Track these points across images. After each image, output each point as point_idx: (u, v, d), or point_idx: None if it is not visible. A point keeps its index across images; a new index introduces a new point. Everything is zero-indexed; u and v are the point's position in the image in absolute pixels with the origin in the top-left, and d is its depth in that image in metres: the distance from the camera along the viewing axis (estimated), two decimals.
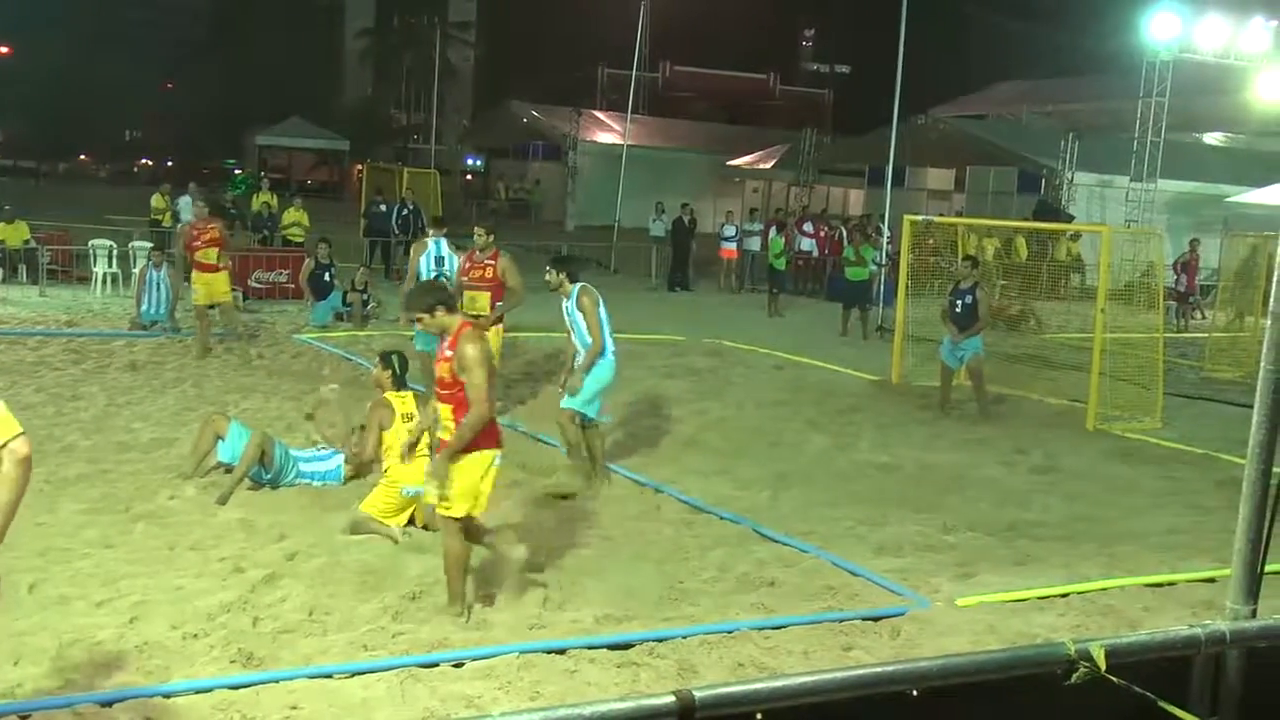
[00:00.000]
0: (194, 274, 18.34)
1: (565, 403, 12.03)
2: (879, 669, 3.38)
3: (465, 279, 14.03)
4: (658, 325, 23.44)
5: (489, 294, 13.89)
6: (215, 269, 18.21)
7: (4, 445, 5.31)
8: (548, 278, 12.01)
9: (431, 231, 16.37)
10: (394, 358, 11.08)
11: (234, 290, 20.09)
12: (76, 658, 7.48)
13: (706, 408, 16.02)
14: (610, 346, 11.98)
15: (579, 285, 11.87)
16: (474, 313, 13.88)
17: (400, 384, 11.00)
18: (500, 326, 14.23)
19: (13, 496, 5.36)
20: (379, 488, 10.45)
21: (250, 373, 16.95)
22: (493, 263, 13.95)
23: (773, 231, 32.81)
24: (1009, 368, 19.16)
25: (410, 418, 10.61)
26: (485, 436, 8.27)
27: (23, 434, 5.38)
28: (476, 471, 8.27)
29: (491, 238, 14.19)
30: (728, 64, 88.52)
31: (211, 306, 18.35)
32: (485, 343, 8.44)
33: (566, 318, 11.97)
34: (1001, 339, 18.67)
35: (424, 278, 12.99)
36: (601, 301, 11.90)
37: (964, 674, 3.43)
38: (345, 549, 9.74)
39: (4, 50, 76.95)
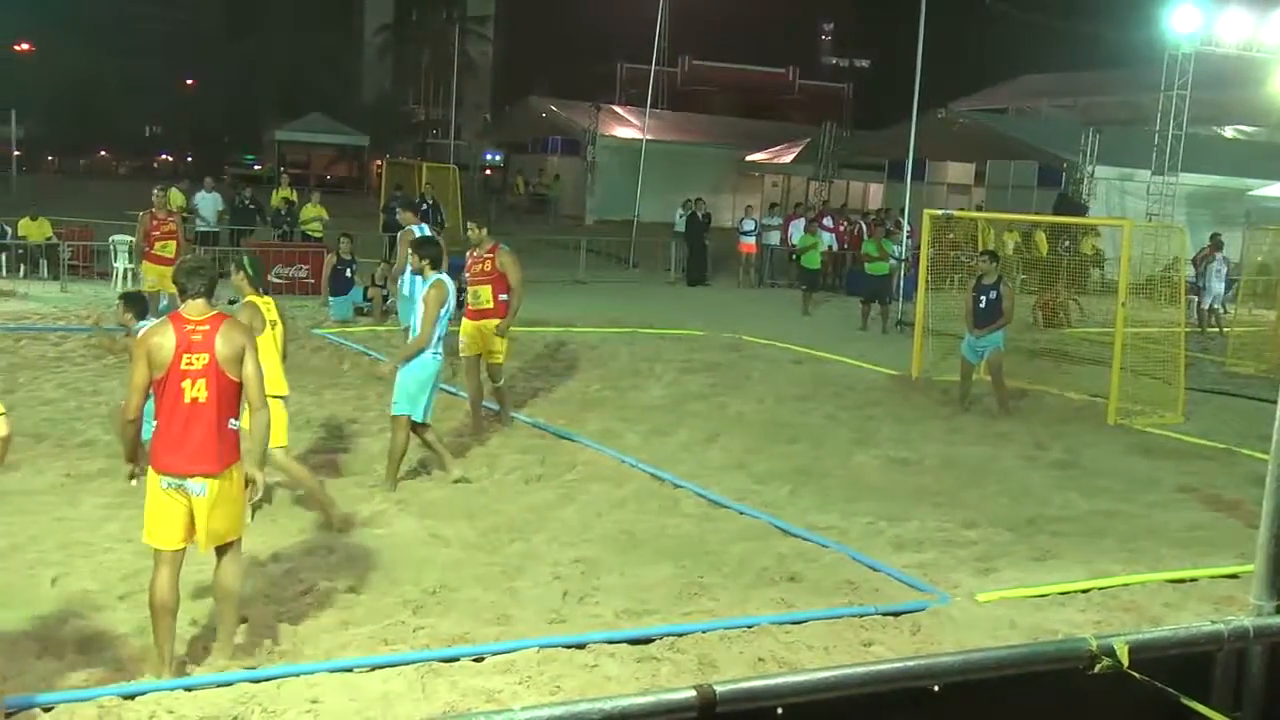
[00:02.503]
0: (146, 264, 18.51)
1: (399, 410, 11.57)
2: (901, 664, 3.38)
3: (468, 274, 14.05)
4: (676, 319, 23.44)
5: (490, 287, 13.79)
6: (170, 261, 18.29)
7: None
8: (410, 261, 12.05)
9: (411, 219, 16.49)
10: (245, 259, 10.67)
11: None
12: (98, 650, 7.52)
13: (725, 402, 16.01)
14: (435, 347, 11.51)
15: (436, 276, 11.61)
16: (477, 307, 13.91)
17: (260, 287, 10.52)
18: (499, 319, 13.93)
19: None
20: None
21: None
22: (490, 256, 13.83)
23: (794, 227, 32.78)
24: (1029, 362, 19.11)
25: (275, 324, 10.30)
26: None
27: (2, 414, 5.46)
28: None
29: (484, 231, 14.12)
30: (747, 58, 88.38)
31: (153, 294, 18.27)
32: None
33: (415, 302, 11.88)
34: (1021, 334, 18.61)
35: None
36: (449, 302, 11.57)
37: (985, 669, 3.42)
38: (366, 542, 9.76)
39: (26, 47, 77.23)
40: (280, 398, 10.02)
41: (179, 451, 7.01)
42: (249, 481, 7.28)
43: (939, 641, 8.16)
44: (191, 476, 7.01)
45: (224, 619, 7.46)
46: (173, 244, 18.66)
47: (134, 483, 7.32)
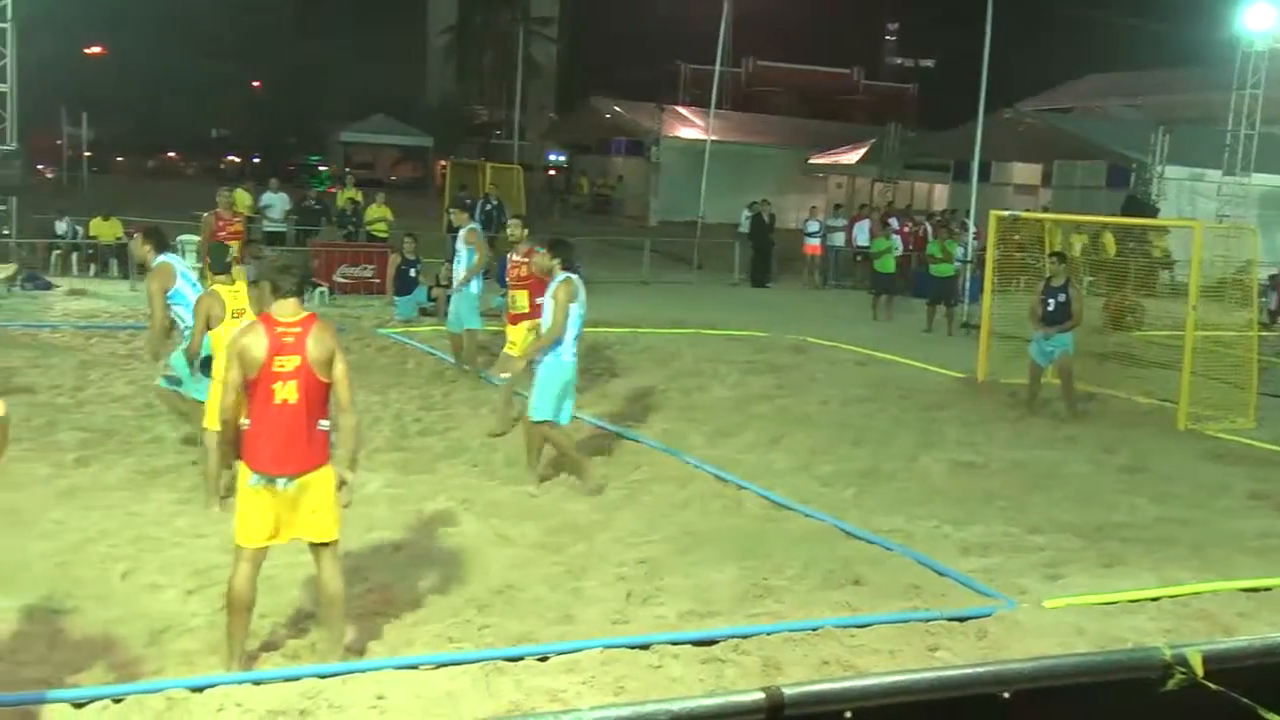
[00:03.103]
0: None
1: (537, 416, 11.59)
2: (971, 670, 3.34)
3: (509, 278, 14.09)
4: (740, 321, 23.41)
5: (526, 292, 13.73)
6: (236, 262, 18.51)
7: None
8: (538, 259, 11.94)
9: (464, 219, 16.61)
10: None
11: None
12: (168, 644, 7.62)
13: (789, 404, 15.98)
14: (569, 348, 11.49)
15: (565, 275, 11.52)
16: (515, 312, 13.90)
17: (224, 272, 10.76)
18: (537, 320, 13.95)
19: None
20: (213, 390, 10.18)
21: None
22: (527, 260, 13.75)
23: (859, 228, 32.62)
24: (1097, 366, 18.91)
25: (240, 313, 10.28)
26: None
27: None
28: None
29: (525, 232, 14.15)
30: (811, 59, 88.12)
31: None
32: None
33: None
34: (1088, 337, 18.43)
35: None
36: (581, 300, 11.54)
37: (1057, 677, 3.38)
38: (432, 541, 9.82)
39: (97, 50, 78.26)
40: None
41: (268, 451, 7.10)
42: (342, 483, 7.33)
43: (1006, 648, 8.09)
44: (280, 476, 7.09)
45: (330, 622, 7.49)
46: (237, 243, 18.88)
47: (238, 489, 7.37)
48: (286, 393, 7.06)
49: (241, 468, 7.23)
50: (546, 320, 11.52)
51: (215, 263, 11.00)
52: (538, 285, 13.38)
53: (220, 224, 18.83)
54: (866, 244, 33.28)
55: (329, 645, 7.47)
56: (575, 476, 11.64)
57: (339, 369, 7.18)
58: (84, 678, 7.09)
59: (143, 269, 11.79)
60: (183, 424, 11.58)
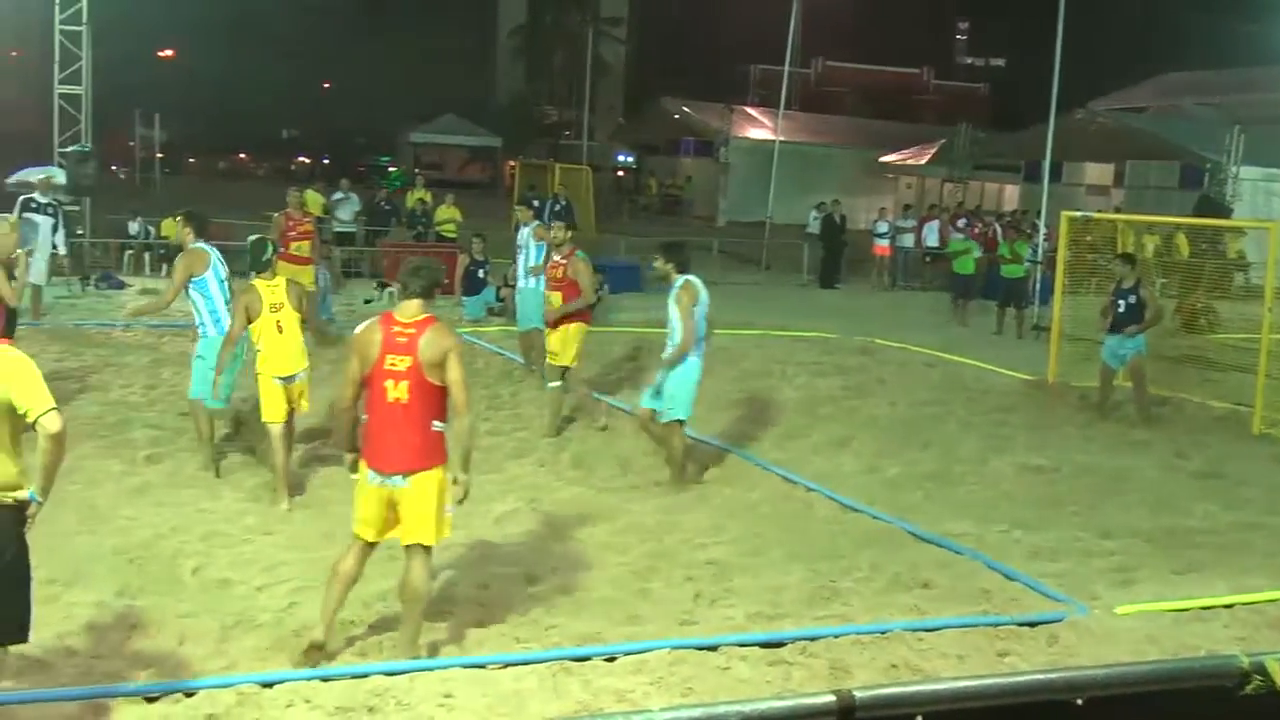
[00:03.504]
0: (281, 262, 18.77)
1: (645, 401, 11.85)
2: (1044, 675, 3.32)
3: (547, 278, 14.14)
4: (808, 322, 23.33)
5: (560, 294, 13.79)
6: (306, 261, 18.77)
7: (36, 419, 5.72)
8: (655, 265, 11.85)
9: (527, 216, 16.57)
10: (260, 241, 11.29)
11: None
12: (238, 639, 7.70)
13: (857, 406, 15.90)
14: (700, 348, 11.62)
15: (683, 279, 11.58)
16: (552, 314, 13.93)
17: (264, 269, 10.98)
18: (581, 323, 13.89)
19: (48, 462, 5.80)
20: (260, 385, 10.86)
21: None
22: (565, 263, 13.79)
23: (928, 229, 32.42)
24: (1170, 369, 18.67)
25: (278, 307, 10.72)
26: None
27: (54, 409, 5.74)
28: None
29: (569, 234, 14.15)
30: (880, 59, 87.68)
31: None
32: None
33: (668, 307, 11.75)
34: (1161, 339, 18.21)
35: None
36: (703, 301, 11.61)
37: (1131, 684, 3.35)
38: (499, 541, 9.86)
39: (169, 53, 79.25)
40: (282, 377, 10.77)
41: (380, 448, 7.29)
42: (456, 482, 7.46)
43: (1076, 654, 8.00)
44: (393, 474, 7.23)
45: (406, 620, 7.57)
46: (307, 244, 19.05)
47: (354, 476, 7.52)
48: (398, 392, 7.19)
49: (361, 463, 7.40)
50: (674, 329, 11.52)
51: (255, 259, 11.12)
52: (571, 288, 13.64)
53: (290, 224, 18.96)
54: (936, 245, 33.14)
55: (403, 644, 7.54)
56: (671, 475, 11.68)
57: (453, 373, 7.25)
58: (156, 672, 7.19)
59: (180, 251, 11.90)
60: (203, 447, 11.58)
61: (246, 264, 11.31)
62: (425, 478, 7.25)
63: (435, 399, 7.25)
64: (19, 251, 12.46)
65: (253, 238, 11.47)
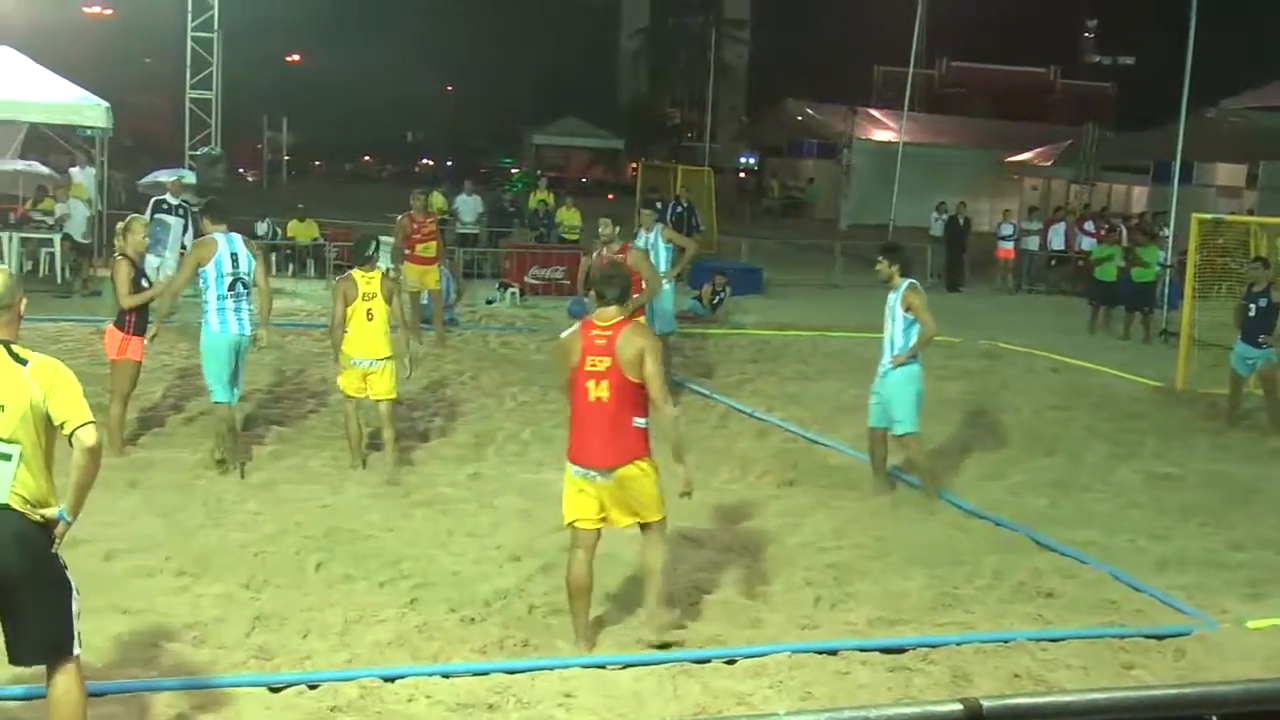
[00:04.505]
0: (408, 264, 18.96)
1: (874, 420, 11.58)
2: (1177, 690, 3.23)
3: (596, 274, 14.05)
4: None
5: None
6: (431, 261, 18.93)
7: (72, 432, 5.57)
8: (878, 268, 11.69)
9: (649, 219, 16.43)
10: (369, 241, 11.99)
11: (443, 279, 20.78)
12: (360, 634, 7.80)
13: (981, 411, 15.68)
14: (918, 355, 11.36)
15: (908, 281, 11.33)
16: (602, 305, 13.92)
17: (366, 263, 11.62)
18: (640, 317, 13.94)
19: (81, 478, 5.62)
20: (341, 362, 11.70)
21: (526, 367, 17.34)
22: (621, 256, 13.66)
23: (1054, 231, 31.85)
24: None
25: (371, 297, 11.43)
26: None
27: (91, 423, 5.61)
28: None
29: (617, 229, 14.22)
30: (1006, 58, 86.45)
31: (414, 294, 19.10)
32: None
33: (887, 312, 11.46)
34: None
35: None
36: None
37: (1267, 702, 3.25)
38: (619, 542, 9.86)
39: (296, 58, 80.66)
40: (359, 359, 11.46)
41: (585, 445, 7.64)
42: (685, 477, 7.75)
43: (1205, 669, 7.81)
44: (598, 468, 7.55)
45: (649, 595, 7.91)
46: (433, 245, 19.22)
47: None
48: (600, 391, 7.54)
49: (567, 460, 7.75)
50: (897, 333, 11.28)
51: (358, 253, 11.82)
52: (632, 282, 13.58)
53: (415, 226, 19.14)
54: (1061, 248, 32.61)
55: (648, 618, 7.87)
56: (924, 488, 11.54)
57: (649, 368, 7.55)
58: (280, 663, 7.30)
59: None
60: (220, 445, 11.54)
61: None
62: (634, 468, 7.59)
63: (635, 396, 7.58)
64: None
65: (358, 236, 12.37)
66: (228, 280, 11.39)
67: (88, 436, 5.57)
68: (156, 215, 20.76)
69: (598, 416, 7.55)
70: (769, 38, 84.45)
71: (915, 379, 11.32)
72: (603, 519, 7.71)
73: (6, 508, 5.49)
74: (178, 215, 21.07)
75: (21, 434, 5.52)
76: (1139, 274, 24.05)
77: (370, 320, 11.46)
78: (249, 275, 11.52)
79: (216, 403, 11.48)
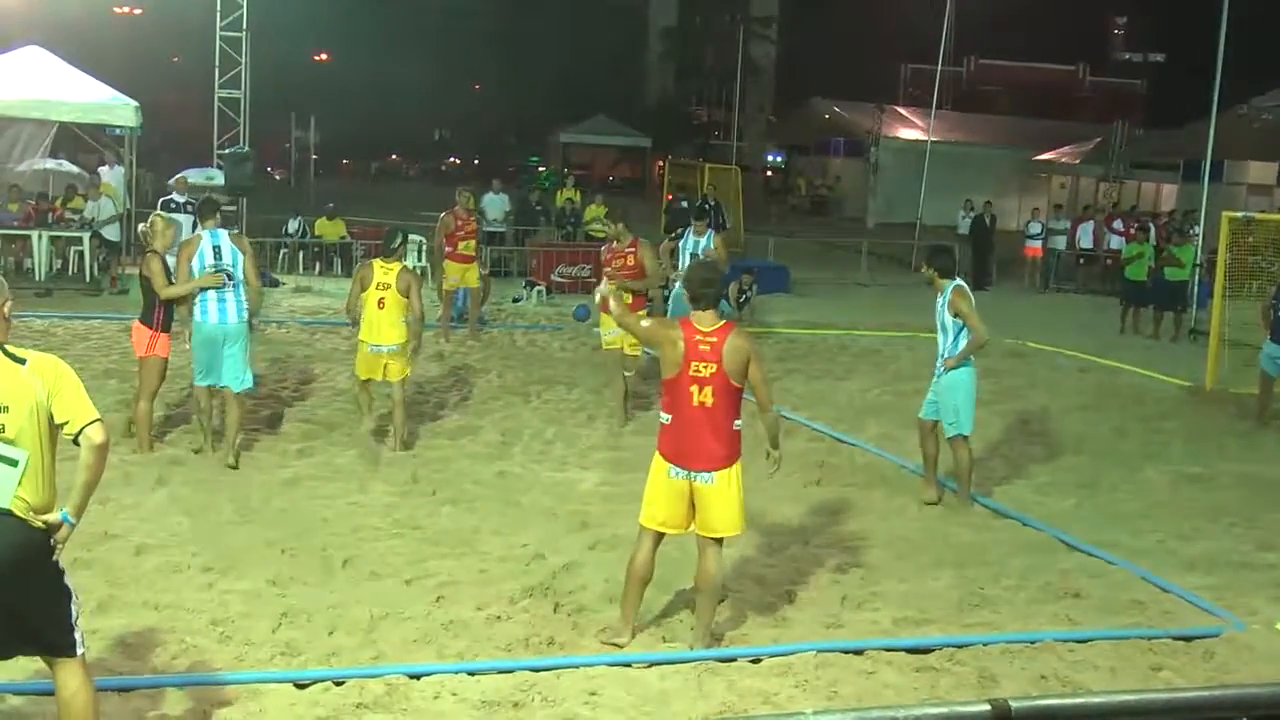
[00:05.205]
0: (449, 262, 19.02)
1: (925, 413, 11.55)
2: (1208, 692, 3.20)
3: (607, 269, 14.13)
4: None
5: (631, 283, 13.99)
6: (472, 259, 19.16)
7: (80, 430, 5.44)
8: (923, 270, 11.63)
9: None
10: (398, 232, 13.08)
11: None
12: (386, 631, 7.81)
13: (1008, 410, 15.60)
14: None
15: (954, 283, 11.24)
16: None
17: (389, 255, 12.46)
18: (640, 310, 14.04)
19: (89, 478, 5.48)
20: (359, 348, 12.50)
21: (552, 365, 17.35)
22: (632, 250, 14.02)
23: (1082, 230, 31.69)
24: None
25: (385, 287, 12.14)
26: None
27: (98, 420, 5.49)
28: None
29: (622, 226, 14.32)
30: (1034, 56, 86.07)
31: (450, 292, 19.49)
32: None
33: (936, 315, 11.39)
34: None
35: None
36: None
37: None
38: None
39: (323, 57, 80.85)
40: (373, 345, 12.21)
41: (687, 449, 7.62)
42: (768, 457, 7.90)
43: (1233, 671, 7.76)
44: (701, 471, 7.56)
45: (701, 608, 7.87)
46: (474, 243, 19.32)
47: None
48: (704, 396, 7.55)
49: (656, 459, 7.73)
50: (950, 334, 11.21)
51: (385, 245, 12.70)
52: (638, 276, 13.95)
53: (459, 223, 19.18)
54: (1090, 246, 32.45)
55: (698, 631, 7.82)
56: (960, 491, 11.44)
57: (755, 373, 7.65)
58: (306, 659, 7.32)
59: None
60: (205, 424, 11.95)
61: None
62: (729, 474, 7.59)
63: (736, 400, 7.63)
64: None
65: (388, 229, 12.93)
66: (209, 272, 11.65)
67: (96, 434, 5.44)
68: (166, 215, 20.91)
69: (702, 421, 7.55)
70: (797, 36, 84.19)
71: (965, 384, 11.24)
72: (677, 525, 7.73)
73: (8, 514, 5.30)
74: (186, 212, 21.24)
75: (27, 436, 5.35)
76: (1173, 273, 23.87)
77: (381, 309, 12.15)
78: (232, 268, 11.69)
79: (239, 390, 11.69)
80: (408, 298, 12.16)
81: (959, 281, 11.33)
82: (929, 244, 12.64)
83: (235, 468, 11.32)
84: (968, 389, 11.28)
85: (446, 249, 19.04)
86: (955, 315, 11.09)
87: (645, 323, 8.50)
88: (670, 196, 37.18)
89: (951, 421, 11.26)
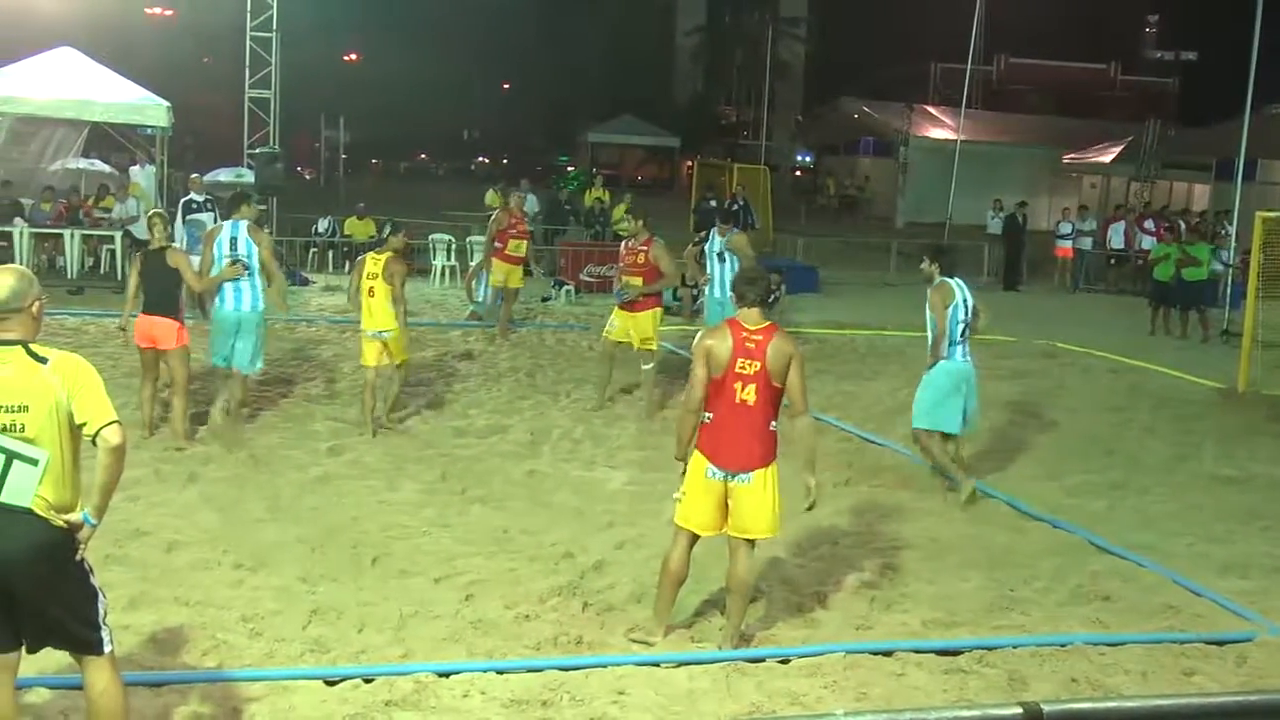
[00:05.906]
0: (496, 261, 19.05)
1: (915, 423, 11.54)
2: (1242, 697, 3.19)
3: (621, 265, 14.53)
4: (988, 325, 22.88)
5: (641, 279, 14.28)
6: (520, 261, 19.28)
7: (97, 431, 5.41)
8: (922, 266, 11.67)
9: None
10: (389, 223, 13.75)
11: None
12: (416, 629, 7.83)
13: (1038, 412, 15.55)
14: (953, 352, 11.25)
15: (938, 280, 11.26)
16: (628, 298, 14.44)
17: (379, 245, 13.30)
18: (659, 308, 14.64)
19: (106, 479, 5.46)
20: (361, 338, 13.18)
21: (581, 364, 17.34)
22: (645, 249, 14.23)
23: (1113, 230, 31.53)
24: None
25: (373, 276, 12.77)
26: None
27: (115, 422, 5.45)
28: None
29: (640, 224, 14.56)
30: (1065, 54, 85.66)
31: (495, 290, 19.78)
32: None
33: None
34: None
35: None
36: (959, 303, 11.17)
37: None
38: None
39: (353, 57, 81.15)
40: (371, 332, 12.86)
41: (727, 447, 7.62)
42: (806, 489, 7.85)
43: (1268, 675, 7.70)
44: (739, 471, 7.57)
45: (731, 609, 7.87)
46: (524, 244, 19.29)
47: (678, 496, 7.85)
48: (746, 394, 7.57)
49: (695, 458, 7.68)
50: (930, 329, 11.34)
51: (377, 236, 13.63)
52: (652, 272, 14.23)
53: (512, 222, 19.22)
54: (1121, 246, 32.28)
55: (728, 632, 7.82)
56: (950, 483, 11.43)
57: (794, 378, 7.64)
58: (335, 657, 7.34)
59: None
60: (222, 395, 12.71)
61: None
62: (765, 474, 7.61)
63: (775, 401, 7.65)
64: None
65: (389, 224, 13.58)
66: (226, 262, 12.42)
67: (113, 436, 5.41)
68: (189, 216, 21.13)
69: (742, 418, 7.56)
70: (826, 35, 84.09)
71: (931, 381, 11.29)
72: (713, 526, 7.73)
73: (29, 513, 5.30)
74: (207, 210, 21.35)
75: (47, 435, 5.35)
76: (1190, 273, 23.72)
77: (371, 297, 12.82)
78: (248, 258, 12.42)
79: (247, 372, 12.73)
80: (390, 284, 12.73)
81: (943, 279, 11.28)
82: (933, 242, 12.57)
83: (220, 422, 12.37)
84: (935, 386, 11.28)
85: (496, 245, 19.07)
86: (929, 307, 11.21)
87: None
88: (701, 196, 37.14)
89: (913, 414, 11.41)
